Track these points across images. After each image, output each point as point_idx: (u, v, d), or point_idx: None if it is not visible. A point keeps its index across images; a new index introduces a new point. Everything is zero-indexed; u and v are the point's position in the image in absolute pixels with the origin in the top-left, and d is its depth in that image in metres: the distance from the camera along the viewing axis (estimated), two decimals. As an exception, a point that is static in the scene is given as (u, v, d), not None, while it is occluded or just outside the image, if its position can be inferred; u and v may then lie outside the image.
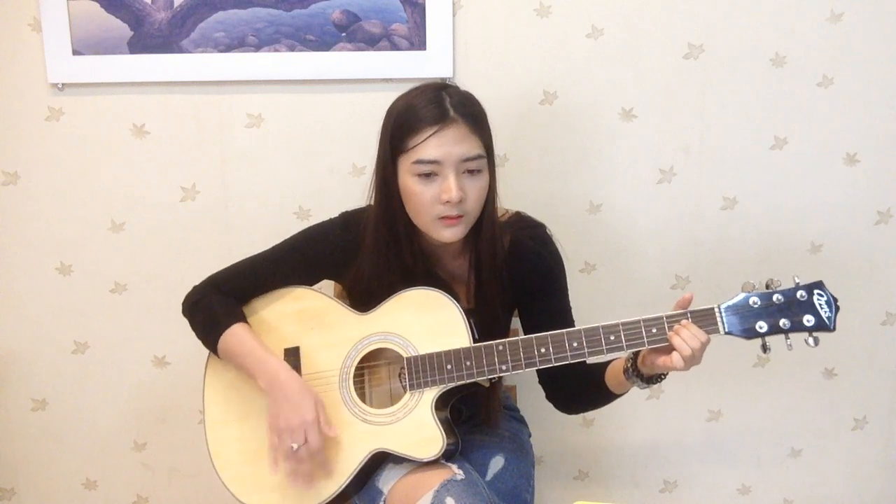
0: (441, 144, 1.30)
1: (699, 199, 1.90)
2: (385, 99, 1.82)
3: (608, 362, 1.44)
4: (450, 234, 1.36)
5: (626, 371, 1.36)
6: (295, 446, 1.34)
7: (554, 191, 1.89)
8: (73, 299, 1.93)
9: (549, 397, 1.56)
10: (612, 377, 1.41)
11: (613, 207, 1.91)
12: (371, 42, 1.80)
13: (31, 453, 2.01)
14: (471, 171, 1.34)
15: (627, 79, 1.84)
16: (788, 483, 2.06)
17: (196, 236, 1.91)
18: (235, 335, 1.42)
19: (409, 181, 1.34)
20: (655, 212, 1.91)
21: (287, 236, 1.51)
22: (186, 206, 1.90)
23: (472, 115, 1.34)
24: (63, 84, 1.82)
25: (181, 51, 1.80)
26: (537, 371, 1.52)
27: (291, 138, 1.87)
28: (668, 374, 1.35)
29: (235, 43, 1.80)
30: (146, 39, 1.80)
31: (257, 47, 1.80)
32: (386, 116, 1.39)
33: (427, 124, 1.31)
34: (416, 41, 1.81)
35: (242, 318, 1.45)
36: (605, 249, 1.93)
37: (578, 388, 1.49)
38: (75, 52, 1.79)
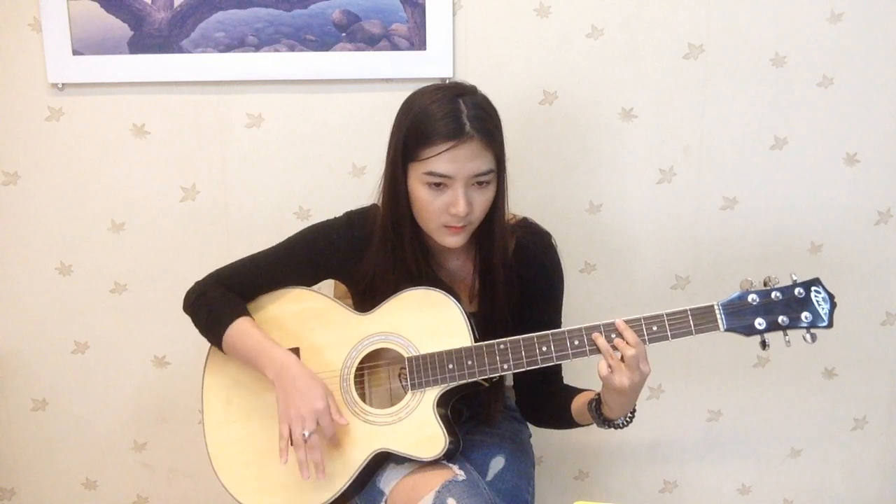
0: (454, 160, 1.30)
1: (699, 199, 1.90)
2: (385, 99, 1.84)
3: (583, 389, 1.46)
4: (452, 241, 1.37)
5: (590, 402, 1.37)
6: (306, 433, 1.32)
7: (554, 191, 1.89)
8: (73, 299, 1.93)
9: (518, 402, 1.59)
10: (577, 404, 1.43)
11: (613, 207, 1.91)
12: (371, 42, 1.80)
13: (31, 453, 2.01)
14: (479, 184, 1.35)
15: (627, 79, 1.84)
16: (788, 483, 2.06)
17: (196, 236, 1.91)
18: (239, 329, 1.41)
19: (418, 188, 1.34)
20: (655, 212, 1.91)
21: (287, 236, 1.51)
22: (186, 206, 1.90)
23: (487, 130, 1.32)
24: (63, 84, 1.82)
25: (181, 51, 1.80)
26: (513, 375, 1.53)
27: (291, 138, 1.87)
28: (626, 423, 1.37)
29: (235, 43, 1.80)
30: (146, 39, 1.80)
31: (257, 47, 1.80)
32: (400, 115, 1.37)
33: (442, 139, 1.29)
34: (416, 41, 1.81)
35: (246, 313, 1.45)
36: (605, 249, 1.93)
37: (545, 401, 1.51)
38: (75, 52, 1.79)
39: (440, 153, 1.29)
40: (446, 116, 1.30)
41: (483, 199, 1.36)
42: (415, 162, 1.33)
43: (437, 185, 1.32)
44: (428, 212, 1.34)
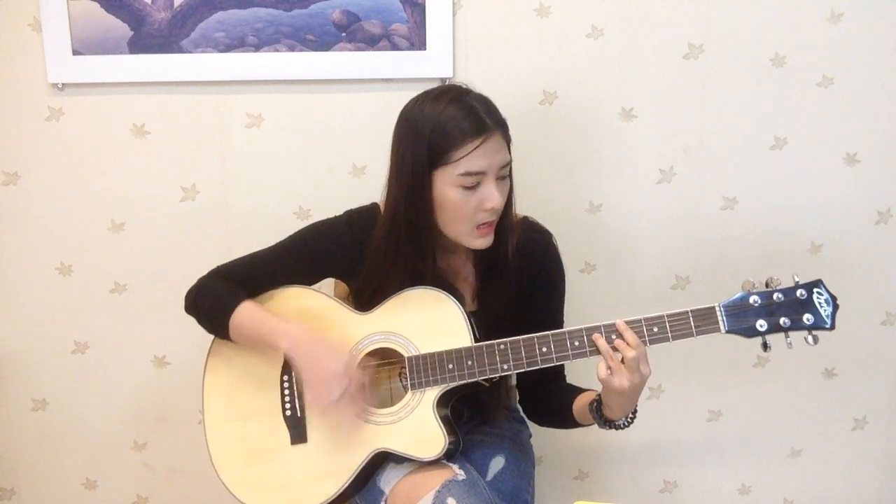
0: (485, 155, 1.31)
1: (699, 199, 1.90)
2: (385, 99, 1.84)
3: (585, 389, 1.47)
4: (483, 242, 1.38)
5: (591, 403, 1.38)
6: (334, 397, 1.32)
7: (554, 191, 1.89)
8: (73, 299, 1.93)
9: (521, 402, 1.59)
10: (579, 405, 1.43)
11: (613, 207, 1.91)
12: (371, 42, 1.80)
13: (31, 453, 2.01)
14: (502, 177, 1.36)
15: (627, 79, 1.84)
16: (788, 483, 2.06)
17: (196, 236, 1.91)
18: (245, 312, 1.41)
19: (450, 192, 1.33)
20: (655, 212, 1.91)
21: (287, 236, 1.50)
22: (186, 206, 1.90)
23: (501, 123, 1.36)
24: (63, 84, 1.82)
25: (181, 51, 1.80)
26: (516, 374, 1.53)
27: (291, 138, 1.87)
28: (627, 424, 1.37)
29: (235, 43, 1.80)
30: (146, 39, 1.80)
31: (257, 47, 1.80)
32: (409, 129, 1.36)
33: (471, 137, 1.30)
34: (416, 41, 1.81)
35: (247, 297, 1.44)
36: (605, 249, 1.93)
37: (548, 401, 1.52)
38: (75, 52, 1.79)
39: (472, 151, 1.30)
40: (468, 116, 1.31)
41: (506, 191, 1.38)
42: (445, 166, 1.32)
43: (471, 184, 1.32)
44: (462, 213, 1.34)
